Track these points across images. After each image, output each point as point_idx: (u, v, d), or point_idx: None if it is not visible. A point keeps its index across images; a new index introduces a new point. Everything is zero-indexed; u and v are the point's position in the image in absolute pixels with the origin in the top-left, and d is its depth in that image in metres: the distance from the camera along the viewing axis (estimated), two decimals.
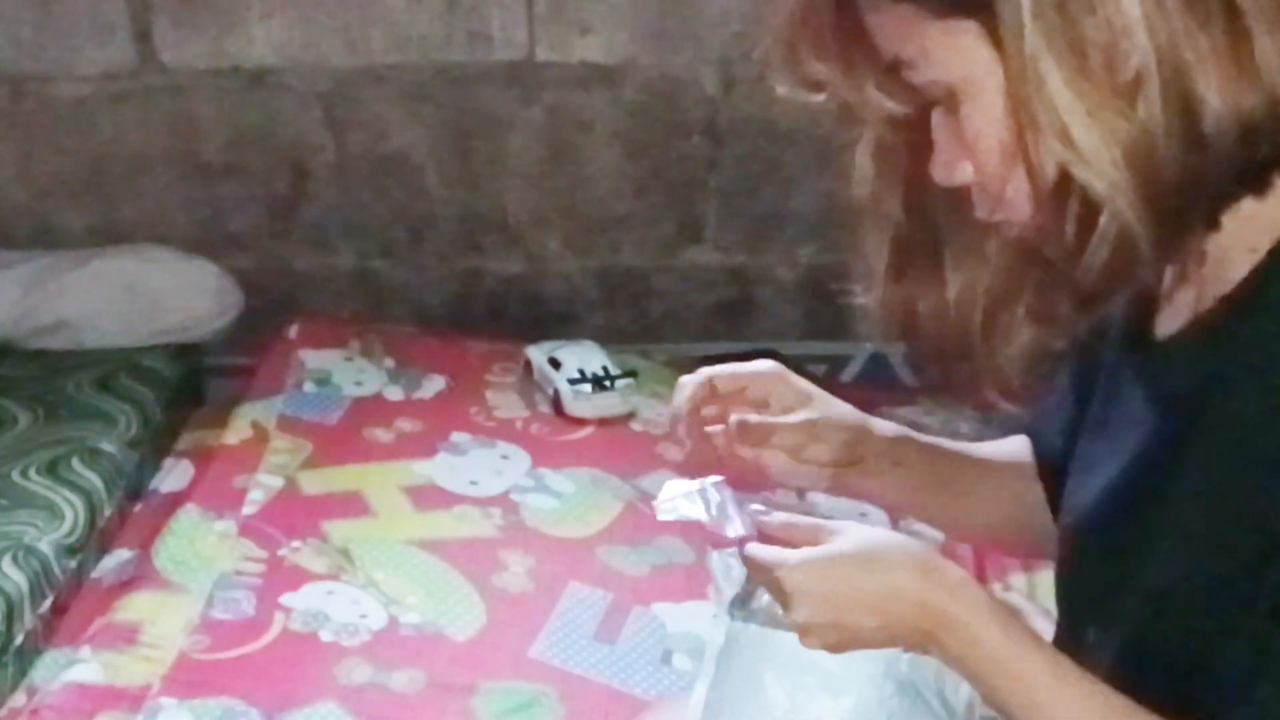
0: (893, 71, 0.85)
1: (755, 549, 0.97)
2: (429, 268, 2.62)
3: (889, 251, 0.95)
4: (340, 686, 1.59)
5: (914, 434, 1.16)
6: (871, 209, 0.95)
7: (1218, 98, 0.76)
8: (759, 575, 0.96)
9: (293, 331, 2.31)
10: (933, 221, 0.93)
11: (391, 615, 1.70)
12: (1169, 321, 0.91)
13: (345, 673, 1.61)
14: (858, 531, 0.96)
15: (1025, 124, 0.79)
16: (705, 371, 1.12)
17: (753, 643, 0.93)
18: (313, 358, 2.25)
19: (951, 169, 0.87)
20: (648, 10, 2.43)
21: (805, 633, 0.94)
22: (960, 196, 0.89)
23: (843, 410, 1.13)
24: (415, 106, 2.49)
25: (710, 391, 1.11)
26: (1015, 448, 1.18)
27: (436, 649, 1.66)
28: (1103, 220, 0.79)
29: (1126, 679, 0.89)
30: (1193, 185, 0.78)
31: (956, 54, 0.81)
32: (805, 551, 0.94)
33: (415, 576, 1.77)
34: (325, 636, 1.66)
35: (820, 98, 0.89)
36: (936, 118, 0.86)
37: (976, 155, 0.84)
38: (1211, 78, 0.76)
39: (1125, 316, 0.92)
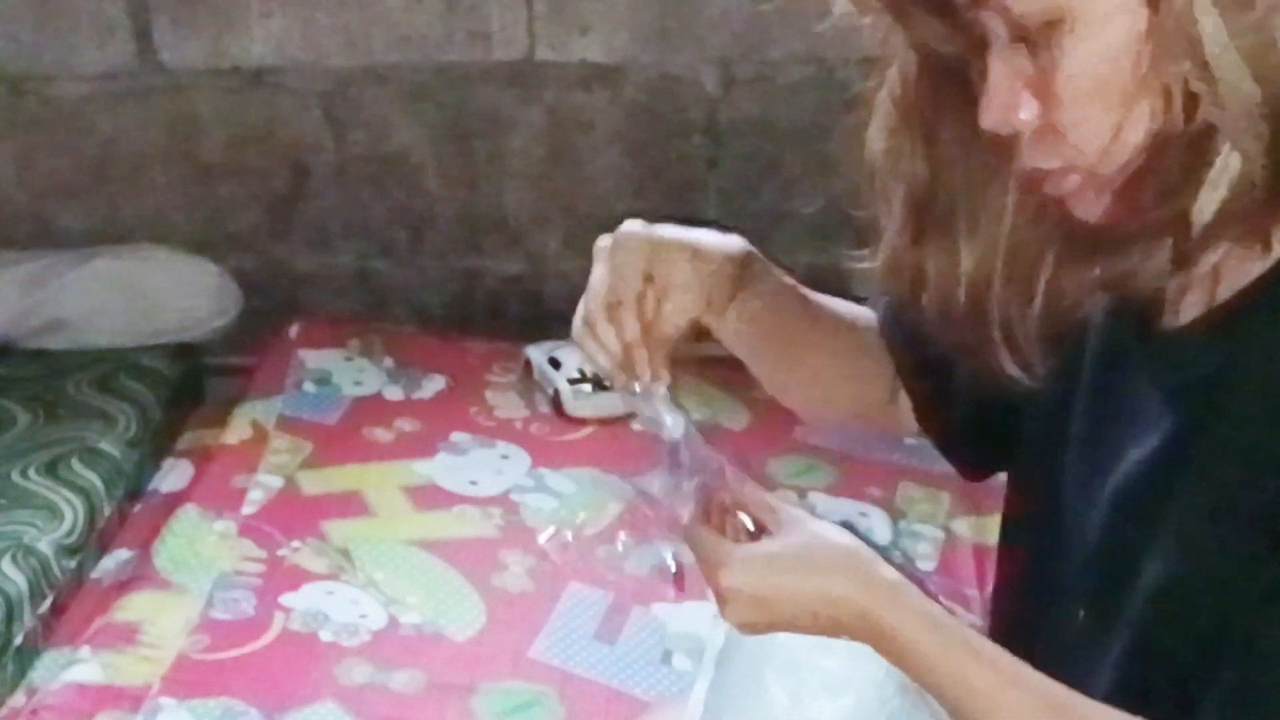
0: (974, 3, 0.80)
1: (699, 538, 0.96)
2: (429, 268, 2.62)
3: (906, 212, 0.92)
4: (340, 686, 1.59)
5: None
6: (889, 164, 0.92)
7: None
8: (700, 565, 0.96)
9: (293, 331, 2.31)
10: (951, 181, 0.90)
11: (391, 615, 1.70)
12: (1182, 312, 0.88)
13: (345, 673, 1.61)
14: (801, 528, 0.95)
15: (1158, 54, 0.75)
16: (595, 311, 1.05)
17: (752, 643, 0.93)
18: (313, 358, 2.25)
19: (1011, 112, 0.82)
20: (648, 10, 2.43)
21: (741, 628, 0.95)
22: (986, 152, 0.86)
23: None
24: (415, 106, 2.49)
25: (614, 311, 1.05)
26: (859, 311, 1.14)
27: (436, 649, 1.66)
28: (1218, 162, 0.76)
29: (1132, 678, 0.88)
30: None
31: None
32: (744, 551, 0.94)
33: (415, 576, 1.77)
34: (325, 636, 1.66)
35: (868, 20, 0.86)
36: (1000, 55, 0.81)
37: (1061, 94, 0.79)
38: None
39: (1130, 305, 0.90)
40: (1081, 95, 0.79)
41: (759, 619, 0.94)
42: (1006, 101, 0.82)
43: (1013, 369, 0.91)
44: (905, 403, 1.14)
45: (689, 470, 0.98)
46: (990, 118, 0.83)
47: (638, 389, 1.02)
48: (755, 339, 1.11)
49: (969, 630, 0.91)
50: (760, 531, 0.96)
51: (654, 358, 1.04)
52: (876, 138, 0.92)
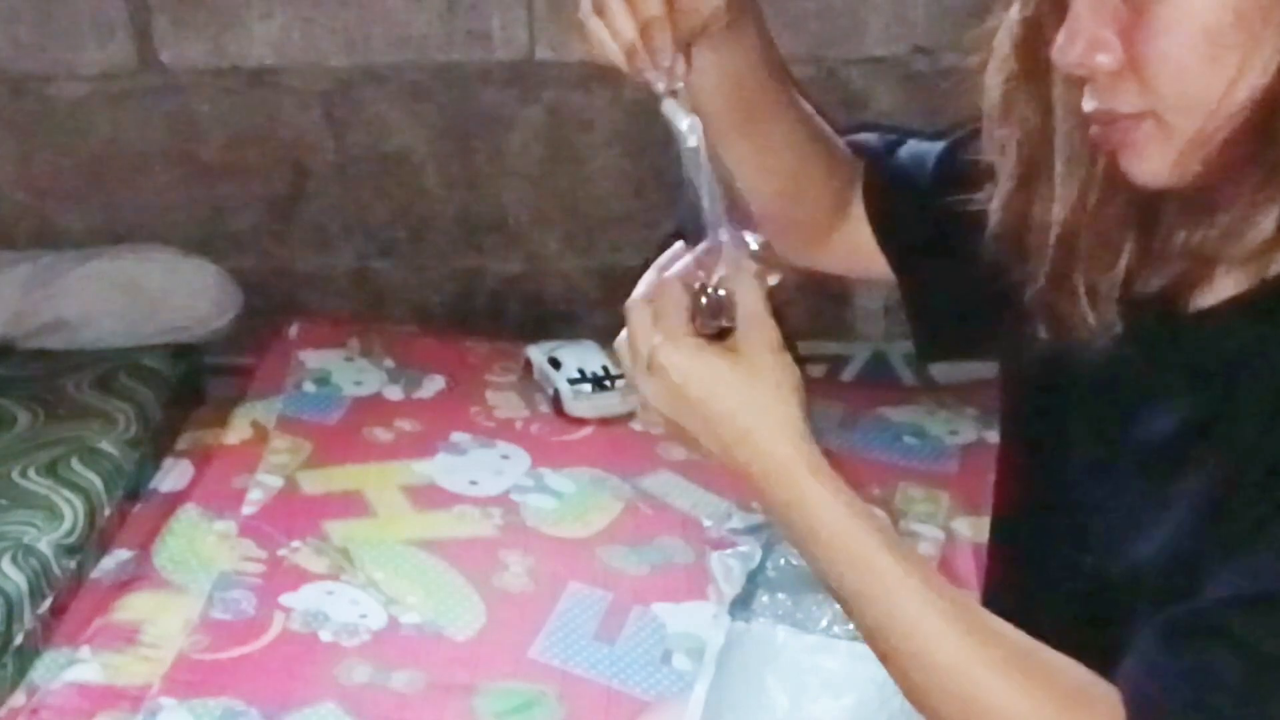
0: None
1: (668, 293, 0.92)
2: (429, 268, 2.62)
3: (1015, 156, 0.90)
4: (340, 686, 1.59)
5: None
6: (1004, 107, 0.90)
7: None
8: (638, 331, 0.91)
9: (293, 331, 2.31)
10: (1056, 127, 0.87)
11: (391, 615, 1.70)
12: (1209, 294, 0.86)
13: (345, 673, 1.61)
14: (760, 358, 0.91)
15: None
16: None
17: (753, 643, 0.93)
18: (313, 358, 2.25)
19: (1091, 53, 0.78)
20: None
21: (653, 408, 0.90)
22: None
23: None
24: (415, 106, 2.49)
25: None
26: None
27: (436, 649, 1.66)
28: None
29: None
30: None
31: None
32: (699, 344, 0.90)
33: (415, 576, 1.77)
34: (325, 636, 1.67)
35: None
36: None
37: (1159, 33, 0.75)
38: None
39: (1159, 284, 0.87)
40: (1185, 36, 0.75)
41: (672, 408, 0.89)
42: (1089, 39, 0.78)
43: (1090, 328, 0.88)
44: (854, 233, 1.10)
45: (707, 182, 0.91)
46: (1064, 56, 0.79)
47: (660, 86, 0.92)
48: (720, 82, 1.04)
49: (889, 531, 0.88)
50: (725, 331, 0.92)
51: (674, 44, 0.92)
52: (994, 81, 0.90)
